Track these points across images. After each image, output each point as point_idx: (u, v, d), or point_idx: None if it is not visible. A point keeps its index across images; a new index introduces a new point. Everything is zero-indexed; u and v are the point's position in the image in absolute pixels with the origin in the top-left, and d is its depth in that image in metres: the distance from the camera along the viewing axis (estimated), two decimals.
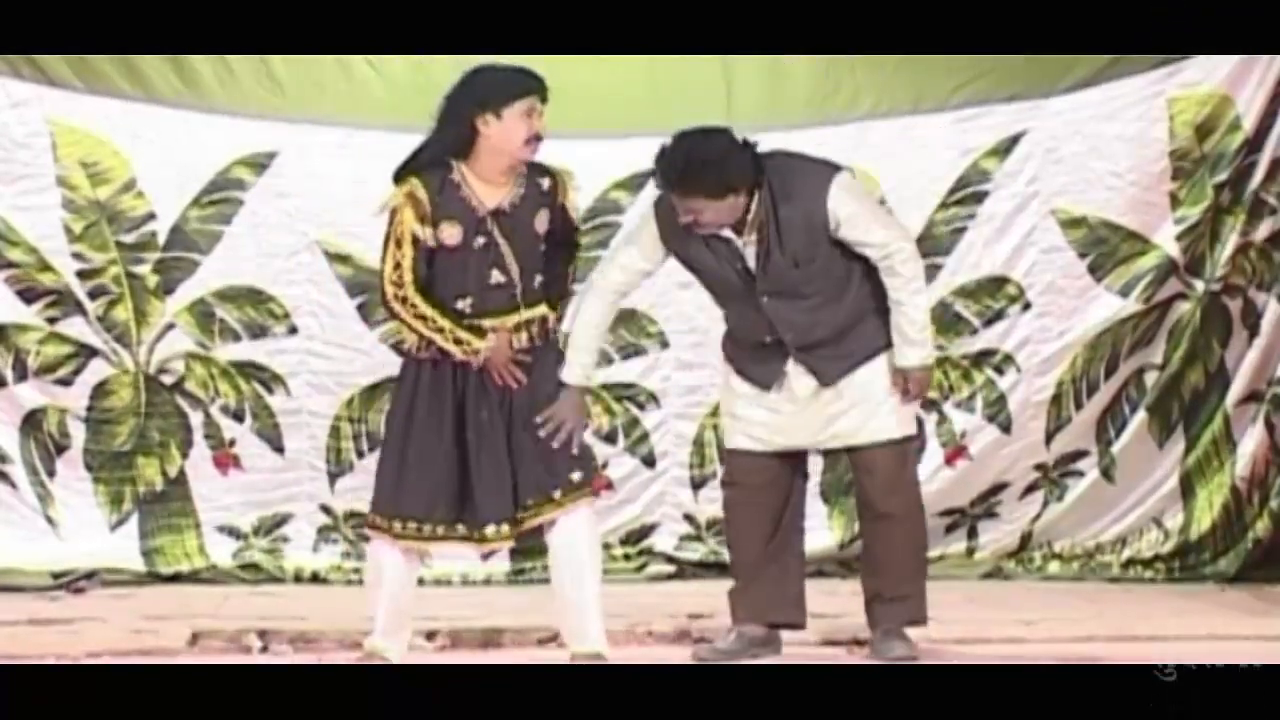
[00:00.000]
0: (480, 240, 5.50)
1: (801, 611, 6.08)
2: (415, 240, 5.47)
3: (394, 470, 5.53)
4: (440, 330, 5.48)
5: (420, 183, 5.49)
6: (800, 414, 5.88)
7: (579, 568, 5.66)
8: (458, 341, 5.47)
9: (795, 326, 5.82)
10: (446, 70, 7.61)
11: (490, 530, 5.54)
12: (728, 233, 5.77)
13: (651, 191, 7.77)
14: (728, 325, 6.06)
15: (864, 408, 5.86)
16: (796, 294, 5.79)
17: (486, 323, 5.54)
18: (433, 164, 5.52)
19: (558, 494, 5.58)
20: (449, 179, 5.50)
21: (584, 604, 5.66)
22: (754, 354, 5.93)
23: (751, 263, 5.78)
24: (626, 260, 5.93)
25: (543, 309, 5.63)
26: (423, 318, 5.49)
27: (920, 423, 7.88)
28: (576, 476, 5.60)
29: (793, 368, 5.87)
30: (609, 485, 8.03)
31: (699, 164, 5.61)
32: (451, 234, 5.48)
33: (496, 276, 5.54)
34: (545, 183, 5.63)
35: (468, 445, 5.51)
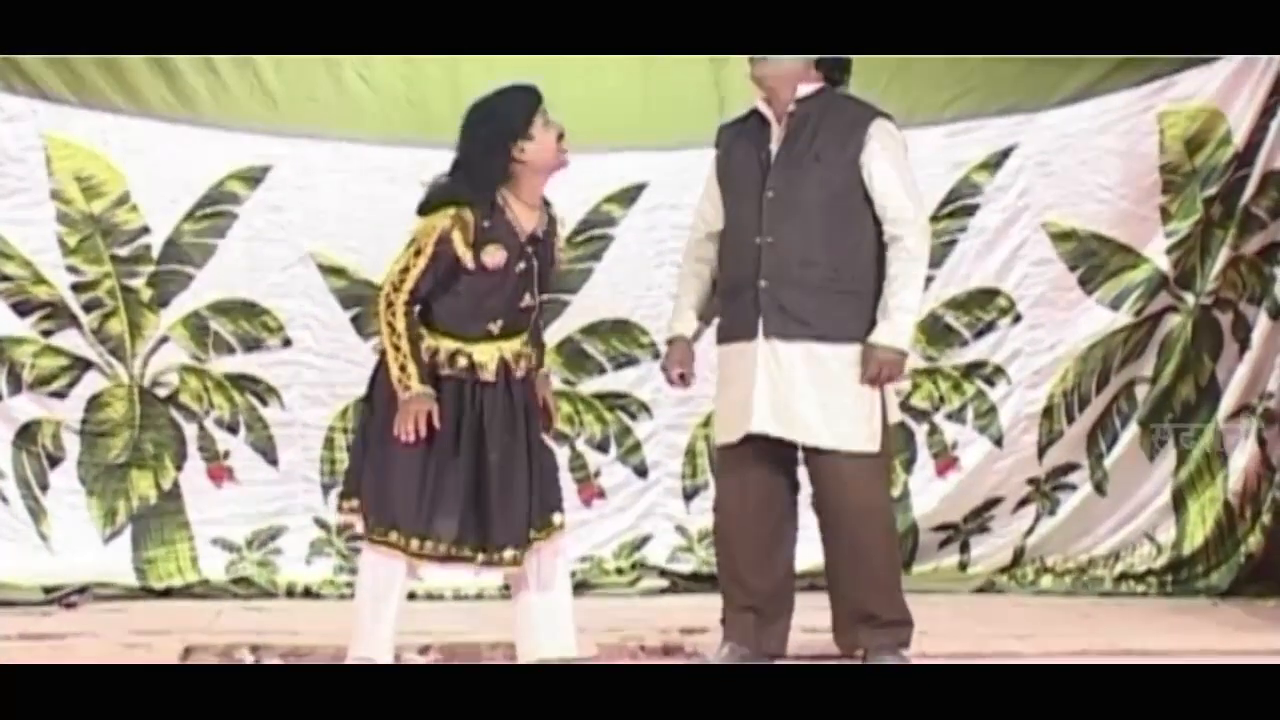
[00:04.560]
0: (521, 265, 5.53)
1: (784, 642, 6.05)
2: (436, 256, 5.45)
3: (416, 487, 5.48)
4: (397, 348, 5.46)
5: (469, 208, 5.48)
6: (764, 389, 5.74)
7: (566, 580, 5.72)
8: (402, 368, 5.44)
9: (784, 236, 5.73)
10: (439, 85, 7.74)
11: (508, 555, 5.53)
12: (770, 117, 5.83)
13: (643, 206, 7.95)
14: (720, 272, 6.00)
15: (829, 405, 5.71)
16: (800, 203, 5.74)
17: (509, 344, 5.57)
18: (478, 195, 5.51)
19: (558, 518, 5.66)
20: (495, 204, 5.52)
21: (567, 614, 5.69)
22: (736, 301, 5.86)
23: (774, 149, 5.80)
24: (698, 215, 6.08)
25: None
26: (391, 327, 5.46)
27: (910, 434, 7.96)
28: (563, 503, 5.72)
29: (761, 323, 5.77)
30: (600, 494, 8.07)
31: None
32: (497, 258, 5.47)
33: (527, 300, 5.58)
34: (551, 214, 5.70)
35: (488, 467, 5.51)
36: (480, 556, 5.53)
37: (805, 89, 5.83)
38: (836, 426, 5.75)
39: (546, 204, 5.70)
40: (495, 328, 5.54)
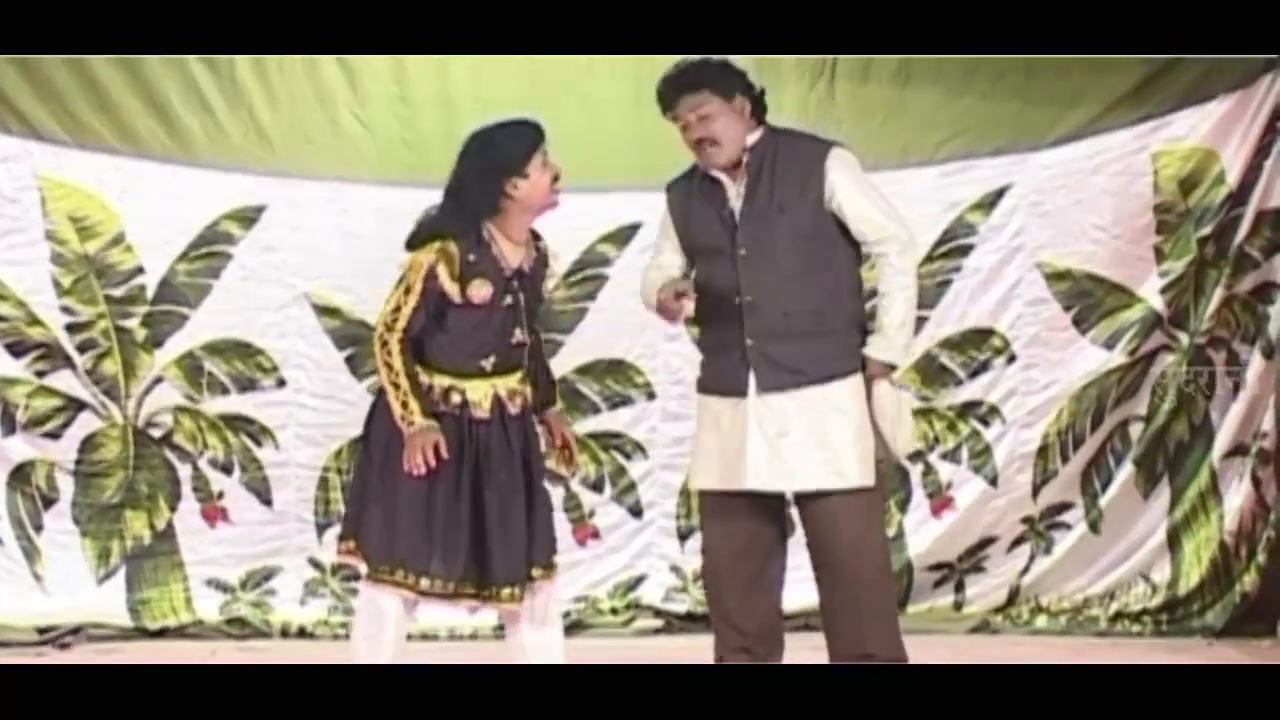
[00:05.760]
0: (508, 299, 5.52)
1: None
2: (426, 293, 5.45)
3: (422, 523, 5.46)
4: (396, 386, 5.45)
5: (454, 241, 5.48)
6: (757, 444, 5.69)
7: (559, 619, 5.72)
8: (404, 404, 5.44)
9: (764, 292, 5.66)
10: (435, 126, 7.75)
11: (506, 592, 5.51)
12: (722, 176, 5.76)
13: (638, 246, 7.94)
14: (700, 327, 5.96)
15: (823, 445, 5.66)
16: (773, 256, 5.67)
17: (502, 381, 5.57)
18: (464, 228, 5.51)
19: (554, 559, 5.65)
20: (481, 238, 5.51)
21: (559, 652, 5.66)
22: (723, 358, 5.79)
23: (736, 206, 5.72)
24: (657, 259, 6.01)
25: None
26: (389, 366, 5.46)
27: (905, 474, 7.95)
28: (557, 548, 5.69)
29: (753, 379, 5.72)
30: (595, 534, 8.06)
31: (709, 61, 5.74)
32: (483, 292, 5.47)
33: (518, 335, 5.57)
34: (541, 247, 5.69)
35: (485, 504, 5.50)
36: (481, 594, 5.52)
37: (750, 138, 5.78)
38: (831, 465, 5.69)
39: (537, 238, 5.69)
40: (488, 364, 5.53)
